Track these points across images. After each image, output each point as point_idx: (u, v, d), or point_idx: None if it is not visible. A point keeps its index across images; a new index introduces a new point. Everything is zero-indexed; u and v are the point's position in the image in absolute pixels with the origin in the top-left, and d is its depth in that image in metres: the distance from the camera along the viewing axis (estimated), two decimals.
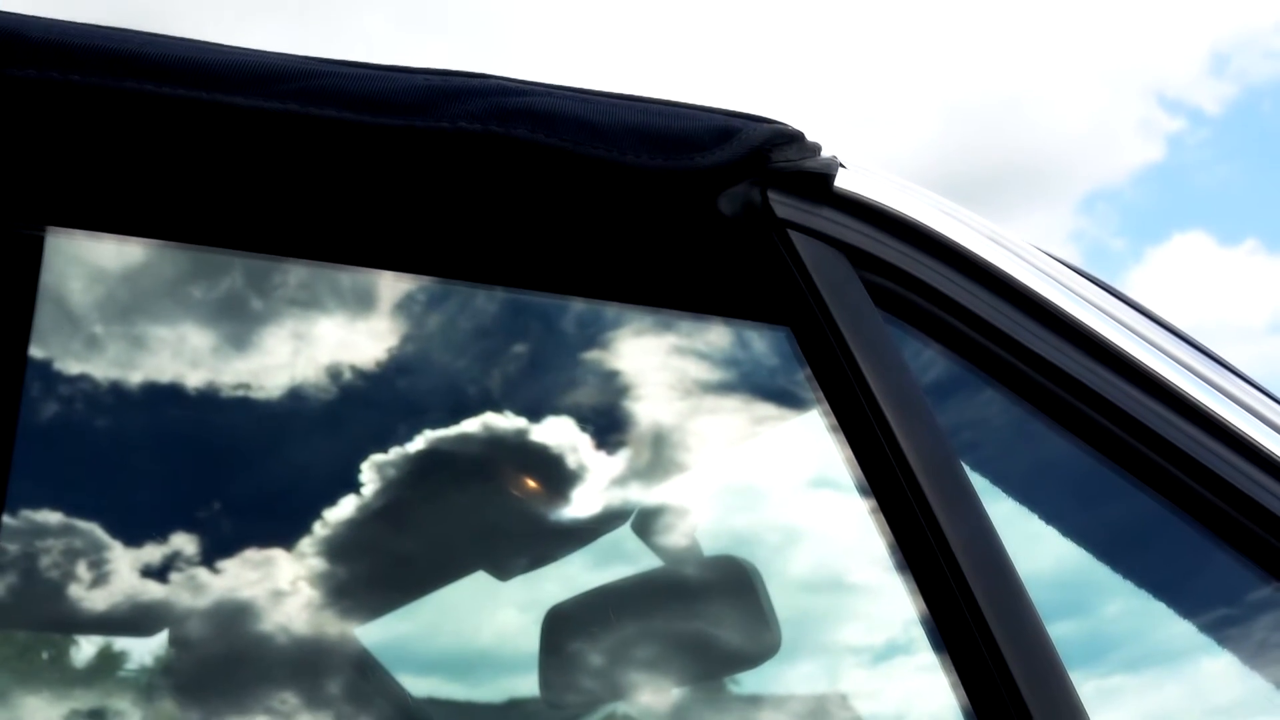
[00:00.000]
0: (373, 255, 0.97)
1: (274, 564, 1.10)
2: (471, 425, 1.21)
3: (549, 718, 1.39)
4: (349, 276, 1.03)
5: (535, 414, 1.22)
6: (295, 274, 1.03)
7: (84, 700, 1.11)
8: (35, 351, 0.94)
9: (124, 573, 1.02)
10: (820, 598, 1.37)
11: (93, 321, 1.00)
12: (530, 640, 1.37)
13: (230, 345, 1.06)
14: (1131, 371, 1.03)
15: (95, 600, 1.02)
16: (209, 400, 1.07)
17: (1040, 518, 1.09)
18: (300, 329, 1.07)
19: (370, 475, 1.18)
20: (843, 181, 1.03)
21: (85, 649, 1.11)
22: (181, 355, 1.05)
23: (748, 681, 1.34)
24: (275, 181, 0.91)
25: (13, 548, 0.97)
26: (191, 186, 0.90)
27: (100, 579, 1.02)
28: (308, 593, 1.12)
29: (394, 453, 1.20)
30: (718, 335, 1.12)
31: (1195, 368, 1.06)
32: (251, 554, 1.09)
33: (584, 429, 1.22)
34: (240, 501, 1.12)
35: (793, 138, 1.03)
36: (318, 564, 1.13)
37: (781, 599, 1.33)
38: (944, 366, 1.03)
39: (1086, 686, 0.90)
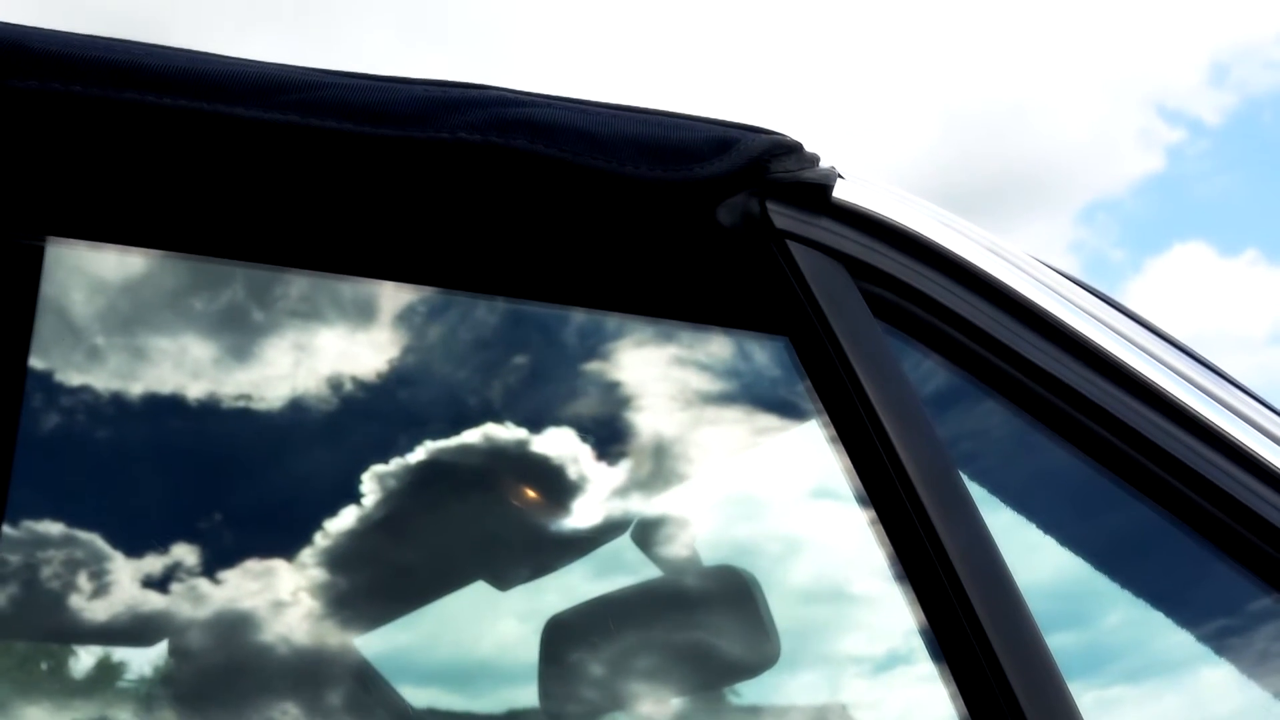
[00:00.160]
0: (374, 266, 0.97)
1: (274, 574, 1.10)
2: (472, 435, 1.21)
3: None
4: (350, 287, 1.03)
5: (535, 424, 1.22)
6: (296, 285, 1.03)
7: (84, 711, 1.11)
8: (36, 361, 0.94)
9: (124, 583, 1.02)
10: (819, 608, 1.37)
11: (93, 331, 1.00)
12: (530, 650, 1.37)
13: (231, 355, 1.06)
14: (1130, 382, 1.04)
15: (95, 610, 1.02)
16: (209, 410, 1.07)
17: (1039, 528, 1.09)
18: (301, 339, 1.07)
19: (371, 485, 1.18)
20: (841, 192, 1.03)
21: (85, 659, 1.11)
22: (182, 365, 1.05)
23: (747, 692, 1.34)
24: (276, 192, 0.91)
25: (13, 558, 0.97)
26: (192, 197, 0.90)
27: (100, 589, 1.02)
28: (308, 603, 1.12)
29: (394, 463, 1.20)
30: (717, 345, 1.12)
31: (1193, 378, 1.06)
32: (252, 564, 1.09)
33: (583, 439, 1.22)
34: (240, 511, 1.12)
35: (791, 148, 1.03)
36: (318, 574, 1.13)
37: (781, 609, 1.33)
38: (943, 377, 1.04)
39: (1085, 697, 0.90)
